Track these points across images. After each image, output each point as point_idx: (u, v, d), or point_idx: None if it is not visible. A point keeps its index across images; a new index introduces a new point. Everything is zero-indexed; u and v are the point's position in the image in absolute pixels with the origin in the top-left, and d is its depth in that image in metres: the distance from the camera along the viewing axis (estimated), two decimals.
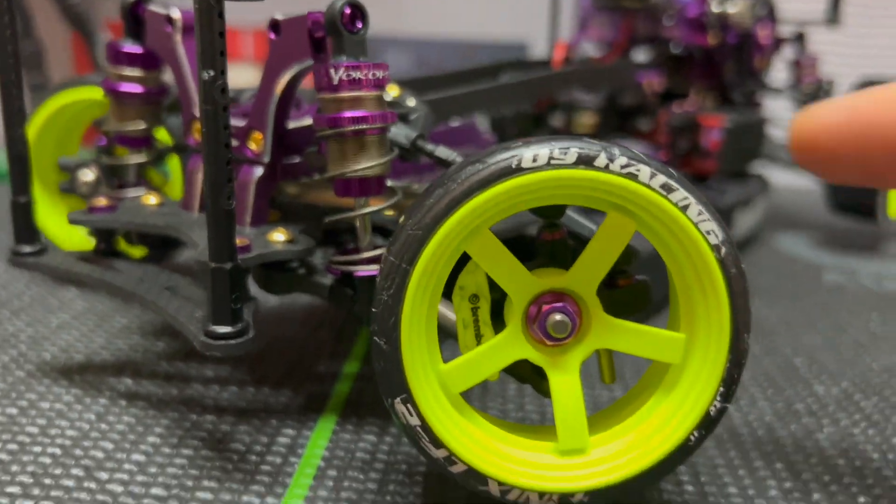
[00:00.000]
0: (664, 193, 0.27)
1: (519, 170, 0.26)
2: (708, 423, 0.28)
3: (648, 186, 0.27)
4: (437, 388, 0.28)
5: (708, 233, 0.27)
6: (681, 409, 0.29)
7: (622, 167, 0.26)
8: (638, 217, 0.28)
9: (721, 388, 0.28)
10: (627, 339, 0.29)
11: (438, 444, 0.28)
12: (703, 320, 0.28)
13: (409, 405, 0.28)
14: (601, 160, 0.26)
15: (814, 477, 0.35)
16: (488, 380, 0.30)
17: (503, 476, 0.28)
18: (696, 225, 0.27)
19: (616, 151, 0.26)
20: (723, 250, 0.27)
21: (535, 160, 0.26)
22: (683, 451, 0.29)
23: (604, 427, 0.30)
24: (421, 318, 0.28)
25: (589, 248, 0.28)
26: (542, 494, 0.28)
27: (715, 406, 0.28)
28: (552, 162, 0.26)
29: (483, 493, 0.29)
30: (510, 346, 0.29)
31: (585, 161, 0.26)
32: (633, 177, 0.26)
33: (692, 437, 0.28)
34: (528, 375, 0.31)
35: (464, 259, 0.29)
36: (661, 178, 0.27)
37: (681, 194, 0.27)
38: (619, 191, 0.27)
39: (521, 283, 0.28)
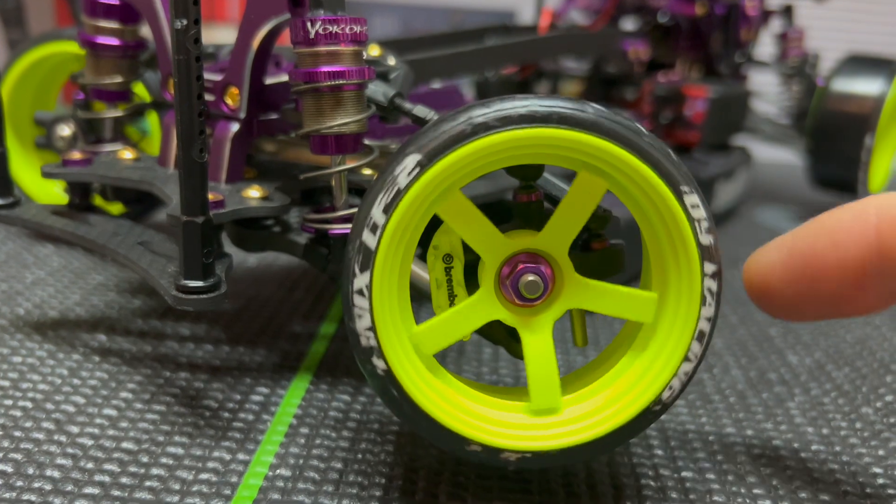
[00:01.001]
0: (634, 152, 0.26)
1: (491, 128, 0.26)
2: (682, 380, 0.28)
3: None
4: (408, 347, 0.28)
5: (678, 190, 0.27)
6: (652, 369, 0.29)
7: None
8: (609, 176, 0.27)
9: (694, 342, 0.28)
10: (599, 298, 0.29)
11: (410, 401, 0.28)
12: (675, 278, 0.28)
13: (380, 361, 0.28)
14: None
15: (783, 444, 0.36)
16: (462, 339, 0.30)
17: (480, 436, 0.28)
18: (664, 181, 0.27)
19: (589, 109, 0.26)
20: (689, 203, 0.27)
21: (506, 119, 0.26)
22: (655, 411, 0.29)
23: (577, 387, 0.30)
24: (392, 277, 0.28)
25: (560, 209, 0.28)
26: (514, 452, 0.28)
27: (686, 366, 0.28)
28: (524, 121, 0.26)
29: (464, 455, 0.29)
30: (483, 306, 0.29)
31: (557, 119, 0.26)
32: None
33: (663, 397, 0.29)
34: (502, 338, 0.31)
35: (439, 219, 0.29)
36: None
37: None
38: (589, 149, 0.26)
39: (493, 244, 0.28)
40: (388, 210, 0.26)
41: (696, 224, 0.27)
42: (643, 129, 0.27)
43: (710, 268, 0.28)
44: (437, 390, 0.29)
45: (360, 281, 0.27)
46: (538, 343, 0.29)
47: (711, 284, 0.28)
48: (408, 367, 0.28)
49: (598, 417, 0.29)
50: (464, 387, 0.30)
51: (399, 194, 0.26)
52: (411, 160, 0.26)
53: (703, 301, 0.28)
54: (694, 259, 0.27)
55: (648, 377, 0.29)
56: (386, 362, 0.27)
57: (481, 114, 0.26)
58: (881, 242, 0.26)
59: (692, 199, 0.27)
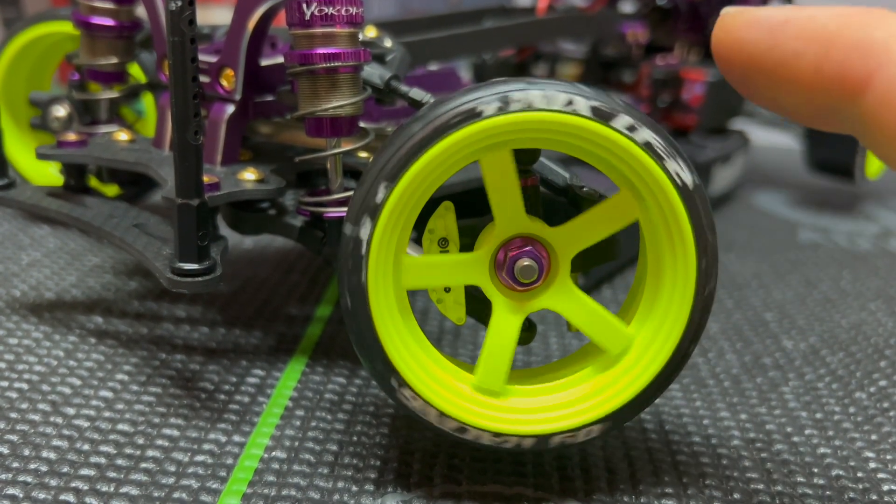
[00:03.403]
0: (628, 134, 0.26)
1: (464, 120, 0.26)
2: (674, 367, 0.29)
3: (616, 130, 0.26)
4: (404, 332, 0.28)
5: (671, 170, 0.27)
6: (647, 353, 0.29)
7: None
8: (645, 203, 0.27)
9: (687, 332, 0.28)
10: (580, 312, 0.29)
11: (410, 390, 0.28)
12: (665, 235, 0.28)
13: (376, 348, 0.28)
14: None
15: (777, 428, 0.36)
16: (455, 323, 0.30)
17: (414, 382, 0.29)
18: (658, 163, 0.27)
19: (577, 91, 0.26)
20: (679, 174, 0.27)
21: (506, 102, 0.26)
22: (652, 392, 0.29)
23: (571, 372, 0.30)
24: (387, 282, 0.28)
25: (491, 196, 0.28)
26: (446, 417, 0.29)
27: (681, 349, 0.28)
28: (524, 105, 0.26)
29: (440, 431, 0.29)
30: (472, 268, 0.29)
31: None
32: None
33: (658, 381, 0.29)
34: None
35: (435, 202, 0.29)
36: (627, 120, 0.26)
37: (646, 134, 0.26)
38: (583, 132, 0.26)
39: (471, 269, 0.29)
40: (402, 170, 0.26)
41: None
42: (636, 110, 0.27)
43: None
44: (433, 374, 0.29)
45: (364, 231, 0.27)
46: (506, 324, 0.29)
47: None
48: (404, 352, 0.28)
49: (594, 402, 0.29)
50: (423, 338, 0.30)
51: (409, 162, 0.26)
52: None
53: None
54: (683, 220, 0.27)
55: (644, 361, 0.29)
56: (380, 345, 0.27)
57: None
58: (870, 98, 0.23)
59: (673, 165, 0.27)
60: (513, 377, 0.30)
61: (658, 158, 0.26)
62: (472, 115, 0.26)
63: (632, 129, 0.26)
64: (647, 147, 0.26)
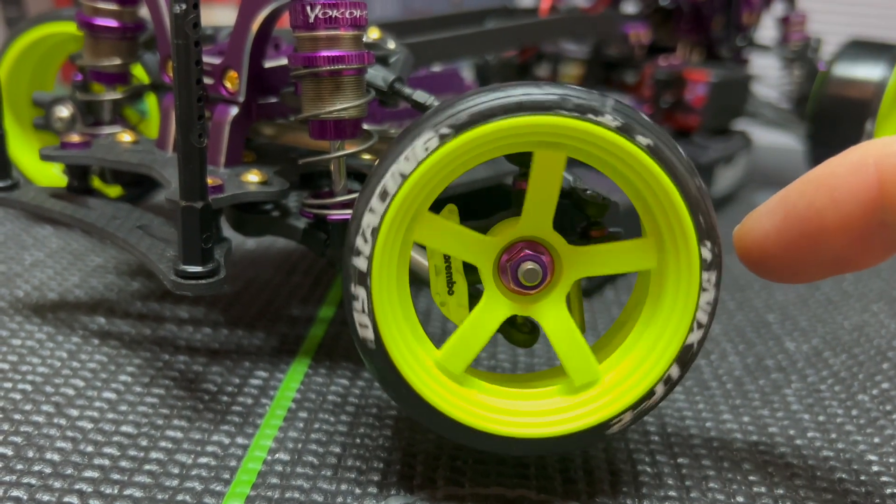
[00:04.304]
0: (578, 115, 0.26)
1: (493, 115, 0.26)
2: (683, 362, 0.29)
3: (603, 126, 0.26)
4: (408, 336, 0.28)
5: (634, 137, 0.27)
6: (611, 393, 0.29)
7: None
8: (565, 147, 0.27)
9: (658, 382, 0.28)
10: (600, 260, 0.29)
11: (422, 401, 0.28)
12: (673, 262, 0.28)
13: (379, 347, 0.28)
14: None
15: (779, 431, 0.36)
16: (458, 326, 0.30)
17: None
18: (648, 154, 0.27)
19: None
20: (668, 158, 0.27)
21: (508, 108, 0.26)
22: (688, 354, 0.29)
23: (540, 385, 0.30)
24: (392, 263, 0.28)
25: (530, 192, 0.28)
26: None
27: (703, 306, 0.28)
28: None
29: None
30: (493, 309, 0.29)
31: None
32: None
33: (669, 376, 0.29)
34: (500, 326, 0.31)
35: (439, 205, 0.29)
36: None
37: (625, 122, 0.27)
38: (540, 128, 0.26)
39: (478, 248, 0.29)
40: (402, 179, 0.26)
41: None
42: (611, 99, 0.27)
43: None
44: (466, 398, 0.29)
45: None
46: (557, 322, 0.29)
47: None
48: (408, 357, 0.28)
49: (607, 399, 0.29)
50: (410, 307, 0.29)
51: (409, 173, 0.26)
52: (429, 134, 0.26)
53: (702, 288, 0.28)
54: (692, 242, 0.27)
55: (652, 359, 0.29)
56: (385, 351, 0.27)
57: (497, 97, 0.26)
58: (884, 194, 0.25)
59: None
60: (486, 377, 0.30)
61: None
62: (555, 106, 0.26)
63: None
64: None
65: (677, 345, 0.28)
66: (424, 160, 0.26)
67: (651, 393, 0.29)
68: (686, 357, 0.28)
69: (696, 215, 0.27)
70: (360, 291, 0.27)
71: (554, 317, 0.29)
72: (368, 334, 0.27)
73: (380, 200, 0.26)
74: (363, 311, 0.27)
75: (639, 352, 0.29)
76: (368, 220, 0.27)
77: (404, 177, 0.26)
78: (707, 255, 0.27)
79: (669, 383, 0.29)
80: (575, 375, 0.29)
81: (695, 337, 0.28)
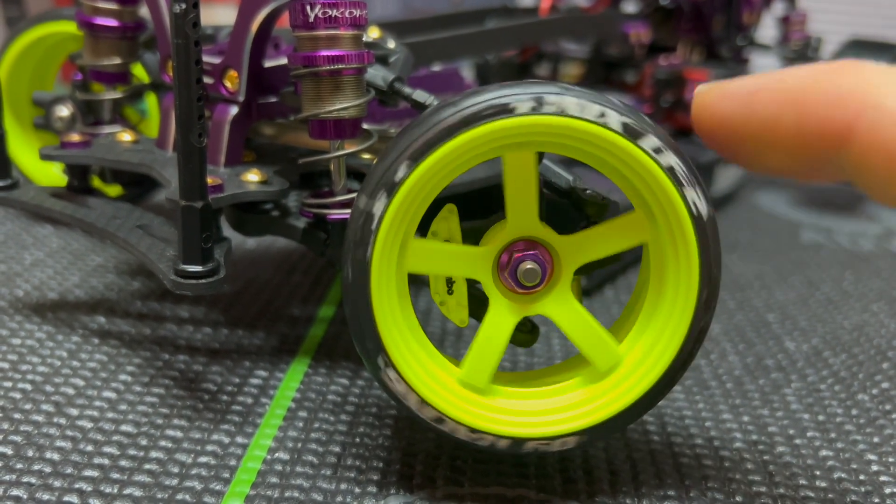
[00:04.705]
0: (654, 156, 0.26)
1: (496, 114, 0.26)
2: (659, 390, 0.29)
3: (643, 149, 0.26)
4: (399, 316, 0.28)
5: (689, 199, 0.27)
6: (635, 374, 0.29)
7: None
8: (534, 144, 0.27)
9: (676, 359, 0.28)
10: (596, 243, 0.29)
11: (395, 372, 0.28)
12: (672, 259, 0.28)
13: (381, 356, 0.28)
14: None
15: (779, 430, 0.36)
16: (457, 325, 0.30)
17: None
18: (677, 189, 0.27)
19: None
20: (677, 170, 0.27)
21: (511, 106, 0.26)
22: (634, 413, 0.29)
23: (559, 380, 0.30)
24: (391, 263, 0.28)
25: (508, 193, 0.28)
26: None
27: (668, 374, 0.28)
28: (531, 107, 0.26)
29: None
30: (503, 316, 0.29)
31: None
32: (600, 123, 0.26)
33: (642, 402, 0.29)
34: None
35: (438, 205, 0.29)
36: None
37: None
38: (610, 146, 0.26)
39: (472, 262, 0.29)
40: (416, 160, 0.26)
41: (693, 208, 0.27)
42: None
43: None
44: (393, 308, 0.29)
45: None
46: (499, 323, 0.29)
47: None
48: (408, 357, 0.28)
49: (601, 402, 0.29)
50: (417, 326, 0.29)
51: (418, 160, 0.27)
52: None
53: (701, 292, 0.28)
54: (692, 249, 0.27)
55: (647, 364, 0.29)
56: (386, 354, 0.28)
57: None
58: (850, 141, 0.23)
59: (692, 193, 0.27)
60: (504, 379, 0.31)
61: (678, 185, 0.27)
62: (505, 111, 0.26)
63: (658, 151, 0.26)
64: (670, 172, 0.27)
65: (692, 308, 0.28)
66: (396, 193, 0.26)
67: (667, 375, 0.29)
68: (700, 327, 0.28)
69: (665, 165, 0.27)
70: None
71: (563, 309, 0.29)
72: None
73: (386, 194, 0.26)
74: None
75: (655, 326, 0.29)
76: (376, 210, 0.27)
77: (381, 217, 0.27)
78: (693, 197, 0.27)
79: (684, 364, 0.29)
80: (598, 361, 0.29)
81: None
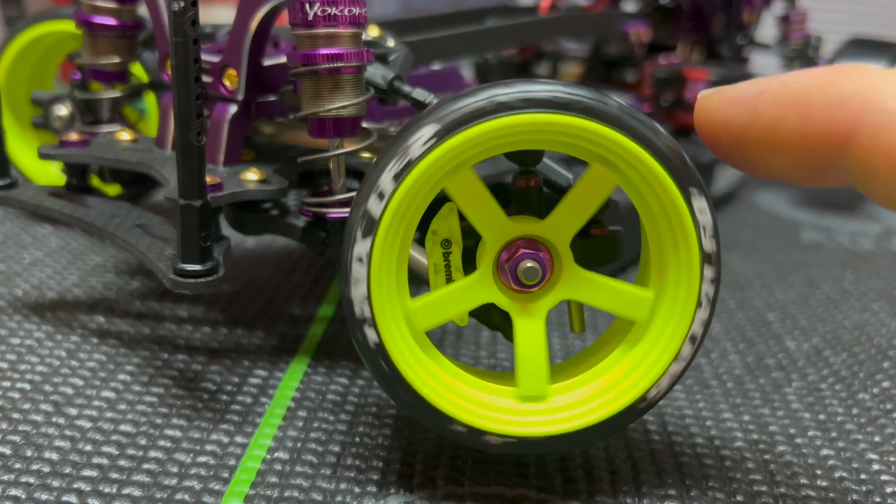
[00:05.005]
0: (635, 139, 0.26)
1: (496, 111, 0.26)
2: (670, 379, 0.29)
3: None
4: (402, 322, 0.28)
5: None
6: (642, 365, 0.29)
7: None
8: (621, 172, 0.27)
9: (686, 343, 0.28)
10: (595, 292, 0.29)
11: (398, 376, 0.28)
12: (673, 278, 0.28)
13: (372, 332, 0.27)
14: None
15: (780, 430, 0.36)
16: (457, 324, 0.30)
17: (465, 417, 0.28)
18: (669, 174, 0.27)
19: (612, 102, 0.26)
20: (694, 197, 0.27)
21: (529, 101, 0.26)
22: (640, 409, 0.29)
23: (567, 376, 0.30)
24: (393, 249, 0.27)
25: (568, 198, 0.28)
26: (498, 436, 0.29)
27: (675, 366, 0.28)
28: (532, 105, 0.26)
29: (447, 434, 0.29)
30: (479, 288, 0.29)
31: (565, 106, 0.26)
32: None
33: (650, 395, 0.29)
34: (499, 323, 0.31)
35: (439, 203, 0.29)
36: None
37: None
38: (605, 141, 0.26)
39: (497, 226, 0.28)
40: (398, 178, 0.26)
41: (702, 229, 0.27)
42: (661, 129, 0.27)
43: (709, 273, 0.27)
44: (427, 367, 0.29)
45: (361, 248, 0.27)
46: (530, 330, 0.29)
47: (709, 289, 0.28)
48: (399, 341, 0.28)
49: (584, 408, 0.29)
50: (453, 367, 0.30)
51: (410, 164, 0.26)
52: (428, 130, 0.26)
53: (699, 304, 0.28)
54: (695, 262, 0.27)
55: (637, 373, 0.29)
56: (378, 334, 0.27)
57: (504, 93, 0.26)
58: (852, 143, 0.23)
59: (700, 203, 0.27)
60: (462, 366, 0.31)
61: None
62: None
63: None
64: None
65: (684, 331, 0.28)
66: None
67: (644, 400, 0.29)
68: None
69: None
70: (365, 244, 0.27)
71: (530, 324, 0.29)
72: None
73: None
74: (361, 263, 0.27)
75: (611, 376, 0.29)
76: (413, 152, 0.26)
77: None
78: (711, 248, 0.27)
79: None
80: (637, 314, 0.29)
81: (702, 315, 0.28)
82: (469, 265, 0.29)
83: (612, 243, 0.31)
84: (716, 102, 0.27)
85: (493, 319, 0.31)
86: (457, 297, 0.29)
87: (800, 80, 0.25)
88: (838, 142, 0.24)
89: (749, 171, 0.27)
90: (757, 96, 0.26)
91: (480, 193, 0.28)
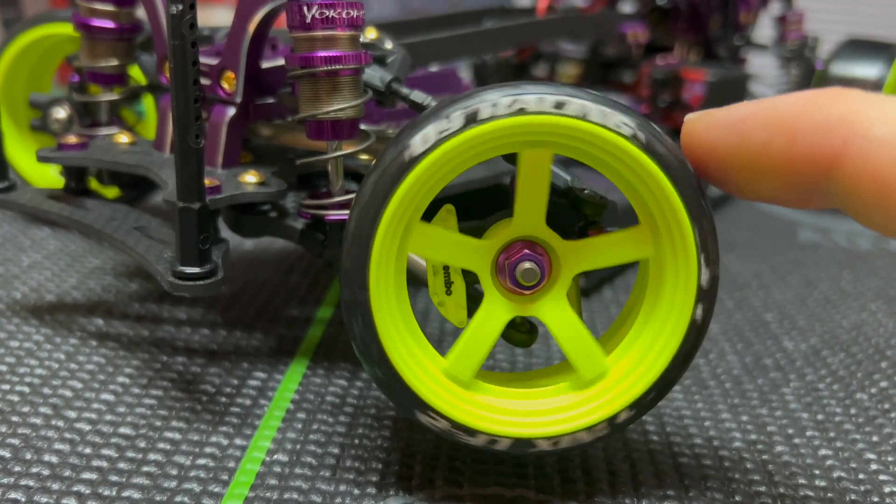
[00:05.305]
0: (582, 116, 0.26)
1: (493, 116, 0.26)
2: (683, 361, 0.29)
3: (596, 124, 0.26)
4: (405, 334, 0.28)
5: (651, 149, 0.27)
6: (653, 349, 0.29)
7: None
8: (550, 144, 0.27)
9: (692, 323, 0.28)
10: (597, 253, 0.29)
11: (430, 409, 0.28)
12: (669, 250, 0.28)
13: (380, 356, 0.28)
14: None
15: (778, 430, 0.36)
16: (456, 326, 0.30)
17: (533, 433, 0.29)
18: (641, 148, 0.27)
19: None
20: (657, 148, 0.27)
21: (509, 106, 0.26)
22: (663, 385, 0.29)
23: (546, 383, 0.30)
24: (390, 264, 0.28)
25: (519, 191, 0.28)
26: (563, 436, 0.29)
27: (686, 344, 0.28)
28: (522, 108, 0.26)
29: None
30: (495, 312, 0.29)
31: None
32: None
33: (669, 372, 0.29)
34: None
35: (437, 206, 0.29)
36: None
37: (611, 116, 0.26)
38: (524, 129, 0.26)
39: (474, 253, 0.29)
40: (399, 179, 0.26)
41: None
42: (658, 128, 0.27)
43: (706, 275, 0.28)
44: (474, 402, 0.29)
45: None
46: (560, 318, 0.29)
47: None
48: (406, 357, 0.28)
49: (600, 401, 0.29)
50: (506, 390, 0.30)
51: (413, 163, 0.26)
52: (432, 130, 0.26)
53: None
54: (692, 262, 0.27)
55: (651, 356, 0.29)
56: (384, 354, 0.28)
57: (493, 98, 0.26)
58: (839, 168, 0.24)
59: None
60: (492, 378, 0.31)
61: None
62: (520, 111, 0.26)
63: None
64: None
65: (682, 331, 0.28)
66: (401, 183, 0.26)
67: (660, 382, 0.29)
68: (693, 336, 0.28)
69: (685, 195, 0.27)
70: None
71: (556, 314, 0.29)
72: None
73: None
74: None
75: (643, 342, 0.29)
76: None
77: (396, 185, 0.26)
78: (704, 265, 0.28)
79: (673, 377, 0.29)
80: (583, 370, 0.29)
81: (699, 314, 0.28)
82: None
83: None
84: (702, 126, 0.27)
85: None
86: (481, 333, 0.29)
87: (786, 105, 0.25)
88: (825, 166, 0.24)
89: (737, 193, 0.27)
90: (744, 121, 0.26)
91: (439, 236, 0.28)
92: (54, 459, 0.30)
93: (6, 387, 0.35)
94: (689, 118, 0.27)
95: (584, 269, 0.29)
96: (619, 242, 0.29)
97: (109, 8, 0.40)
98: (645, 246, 0.29)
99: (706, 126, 0.27)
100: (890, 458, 0.34)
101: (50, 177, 0.55)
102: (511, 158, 0.30)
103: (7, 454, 0.31)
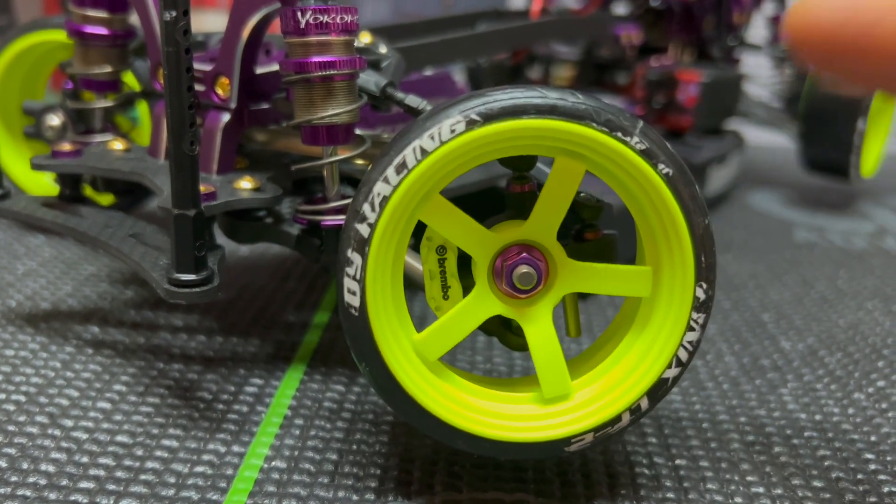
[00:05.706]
0: (607, 131, 0.26)
1: (525, 112, 0.26)
2: (654, 396, 0.29)
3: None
4: (406, 345, 0.28)
5: (657, 164, 0.27)
6: (652, 350, 0.29)
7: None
8: (585, 158, 0.27)
9: (671, 363, 0.28)
10: (595, 279, 0.29)
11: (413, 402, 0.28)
12: (667, 258, 0.28)
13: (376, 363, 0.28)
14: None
15: (776, 431, 0.36)
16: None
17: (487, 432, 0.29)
18: (640, 155, 0.27)
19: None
20: (670, 173, 0.27)
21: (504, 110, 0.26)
22: (661, 388, 0.29)
23: (578, 374, 0.30)
24: (386, 269, 0.27)
25: (542, 196, 0.28)
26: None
27: (685, 344, 0.28)
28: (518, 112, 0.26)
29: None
30: (480, 303, 0.29)
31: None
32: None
33: (638, 406, 0.29)
34: (496, 329, 0.31)
35: None
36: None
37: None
38: (567, 135, 0.26)
39: (479, 240, 0.28)
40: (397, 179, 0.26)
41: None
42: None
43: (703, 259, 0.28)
44: (444, 392, 0.29)
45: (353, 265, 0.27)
46: (540, 332, 0.29)
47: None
48: (407, 367, 0.28)
49: (604, 402, 0.29)
50: (470, 384, 0.30)
51: (405, 170, 0.26)
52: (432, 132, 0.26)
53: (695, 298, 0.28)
54: (687, 249, 0.27)
55: (650, 358, 0.29)
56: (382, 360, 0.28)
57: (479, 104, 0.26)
58: None
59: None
60: (465, 375, 0.30)
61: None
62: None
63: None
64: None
65: (653, 377, 0.29)
66: (448, 142, 0.26)
67: (617, 419, 0.29)
68: (658, 391, 0.29)
69: (699, 254, 0.27)
70: (356, 258, 0.27)
71: (538, 326, 0.29)
72: (354, 301, 0.27)
73: (396, 173, 0.26)
74: (355, 277, 0.27)
75: (613, 376, 0.29)
76: (380, 189, 0.26)
77: (426, 153, 0.26)
78: (701, 295, 0.28)
79: (637, 414, 0.29)
80: (546, 388, 0.29)
81: (671, 373, 0.28)
82: (464, 270, 0.29)
83: (607, 246, 0.31)
84: (808, 7, 0.26)
85: (489, 325, 0.31)
86: (461, 318, 0.29)
87: None
88: None
89: (841, 76, 0.27)
90: None
91: (453, 214, 0.28)
92: (51, 469, 0.30)
93: (2, 396, 0.35)
94: (795, 4, 0.27)
95: (578, 290, 0.29)
96: (619, 275, 0.29)
97: (103, 14, 0.40)
98: (644, 286, 0.29)
99: (815, 3, 0.25)
100: (889, 458, 0.34)
101: (44, 184, 0.55)
102: (508, 163, 0.30)
103: (4, 464, 0.30)
